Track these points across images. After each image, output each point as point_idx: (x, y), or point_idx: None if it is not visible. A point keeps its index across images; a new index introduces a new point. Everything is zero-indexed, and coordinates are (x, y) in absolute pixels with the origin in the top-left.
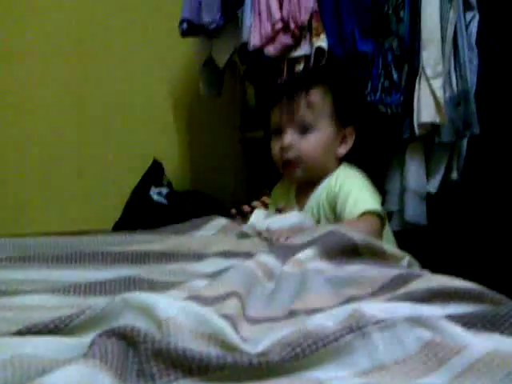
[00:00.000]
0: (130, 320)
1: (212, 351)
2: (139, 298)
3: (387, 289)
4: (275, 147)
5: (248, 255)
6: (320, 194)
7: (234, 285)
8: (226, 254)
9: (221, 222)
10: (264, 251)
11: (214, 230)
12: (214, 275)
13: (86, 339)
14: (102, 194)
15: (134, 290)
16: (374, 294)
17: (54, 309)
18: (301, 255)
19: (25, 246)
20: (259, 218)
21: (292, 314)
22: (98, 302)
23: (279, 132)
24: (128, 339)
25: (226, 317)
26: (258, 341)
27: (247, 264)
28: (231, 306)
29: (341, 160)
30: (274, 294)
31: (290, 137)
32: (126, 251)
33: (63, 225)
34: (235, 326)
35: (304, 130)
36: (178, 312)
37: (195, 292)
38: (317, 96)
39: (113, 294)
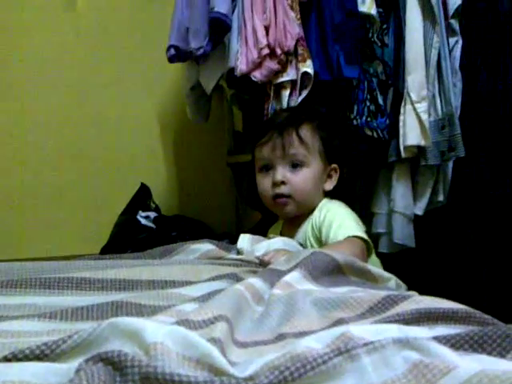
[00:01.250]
0: (116, 345)
1: (200, 375)
2: (126, 323)
3: (375, 311)
4: (264, 183)
5: (236, 278)
6: (306, 227)
7: (223, 308)
8: (215, 279)
9: (203, 246)
10: (252, 275)
11: (195, 255)
12: (203, 298)
13: (73, 365)
14: (89, 217)
15: (122, 315)
16: (362, 316)
17: (40, 334)
18: (288, 278)
19: (11, 271)
20: (245, 242)
21: (280, 337)
22: (85, 327)
23: (268, 168)
24: (115, 364)
25: (214, 340)
26: (246, 365)
27: (236, 287)
28: (219, 329)
29: (325, 195)
30: (262, 317)
31: (281, 172)
32: (114, 278)
33: (50, 249)
34: (223, 350)
35: (295, 165)
36: (165, 336)
37: (183, 316)
38: (308, 132)
39: (100, 319)
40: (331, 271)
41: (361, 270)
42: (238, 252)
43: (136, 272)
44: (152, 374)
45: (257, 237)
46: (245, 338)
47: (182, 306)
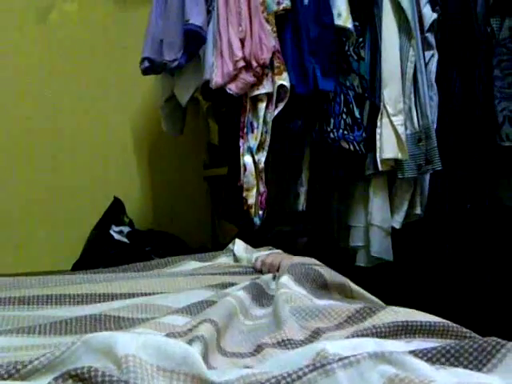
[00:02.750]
0: (88, 362)
1: None
2: (98, 339)
3: (353, 320)
4: None
5: (225, 287)
6: None
7: (210, 316)
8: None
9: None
10: (239, 286)
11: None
12: (189, 310)
13: (43, 383)
14: (61, 232)
15: (100, 329)
16: (340, 326)
17: (19, 349)
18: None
19: None
20: (241, 250)
21: (258, 348)
22: (64, 341)
23: None
24: (85, 381)
25: (197, 338)
26: (224, 371)
27: (226, 299)
28: (203, 328)
29: None
30: (246, 328)
31: None
32: (93, 293)
33: (21, 266)
34: (206, 348)
35: None
36: (138, 348)
37: (165, 329)
38: None
39: (79, 333)
40: (315, 282)
41: (343, 286)
42: (236, 259)
43: (115, 286)
44: None
45: (250, 247)
46: (225, 348)
47: (163, 318)
